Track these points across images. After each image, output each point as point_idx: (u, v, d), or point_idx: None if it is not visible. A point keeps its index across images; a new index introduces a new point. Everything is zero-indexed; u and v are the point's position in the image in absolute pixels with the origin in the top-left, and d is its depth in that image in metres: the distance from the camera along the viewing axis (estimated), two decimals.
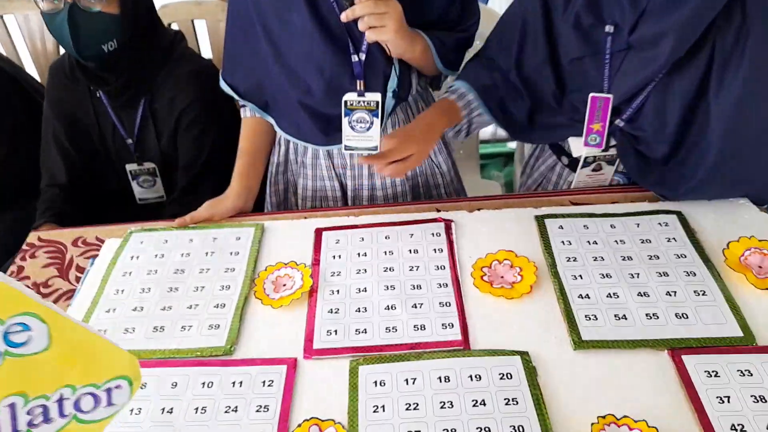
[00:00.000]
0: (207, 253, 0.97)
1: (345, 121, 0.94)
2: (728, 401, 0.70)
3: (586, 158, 1.05)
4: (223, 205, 1.08)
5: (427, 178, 1.21)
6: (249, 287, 0.91)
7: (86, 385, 0.55)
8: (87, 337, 0.55)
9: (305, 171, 1.19)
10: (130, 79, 1.21)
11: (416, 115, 1.14)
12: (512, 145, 2.46)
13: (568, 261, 0.89)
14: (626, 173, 1.07)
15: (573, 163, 1.10)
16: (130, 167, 1.29)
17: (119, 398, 0.57)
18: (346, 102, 0.94)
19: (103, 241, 1.05)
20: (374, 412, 0.72)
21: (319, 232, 1.00)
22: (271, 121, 1.14)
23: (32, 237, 1.09)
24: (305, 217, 1.05)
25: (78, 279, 0.99)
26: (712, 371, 0.73)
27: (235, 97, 1.14)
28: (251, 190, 1.12)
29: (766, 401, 0.69)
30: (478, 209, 1.02)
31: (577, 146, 1.04)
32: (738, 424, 0.68)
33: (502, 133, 2.48)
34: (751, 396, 0.70)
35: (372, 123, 0.93)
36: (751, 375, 0.72)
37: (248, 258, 0.96)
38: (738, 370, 0.73)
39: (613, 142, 1.03)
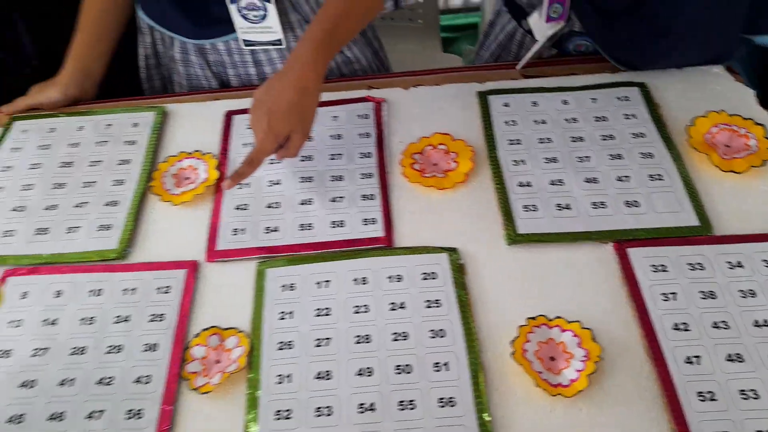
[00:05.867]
0: (99, 143, 0.84)
1: (233, 8, 0.75)
2: (674, 298, 0.63)
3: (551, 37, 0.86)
4: (49, 93, 0.90)
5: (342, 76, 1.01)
6: (146, 182, 0.79)
7: None
8: None
9: (176, 67, 0.97)
10: None
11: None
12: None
13: (510, 144, 0.78)
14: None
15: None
16: None
17: None
18: None
19: None
20: (281, 319, 0.64)
21: (229, 116, 0.86)
22: None
23: None
24: (216, 98, 0.90)
25: None
26: (660, 265, 0.65)
27: None
28: (90, 75, 0.92)
29: (715, 297, 0.62)
30: (416, 86, 0.88)
31: (539, 26, 0.83)
32: (682, 324, 0.61)
33: None
34: (700, 292, 0.63)
35: (266, 10, 0.75)
36: (703, 269, 0.65)
37: (146, 148, 0.82)
38: (688, 264, 0.65)
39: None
